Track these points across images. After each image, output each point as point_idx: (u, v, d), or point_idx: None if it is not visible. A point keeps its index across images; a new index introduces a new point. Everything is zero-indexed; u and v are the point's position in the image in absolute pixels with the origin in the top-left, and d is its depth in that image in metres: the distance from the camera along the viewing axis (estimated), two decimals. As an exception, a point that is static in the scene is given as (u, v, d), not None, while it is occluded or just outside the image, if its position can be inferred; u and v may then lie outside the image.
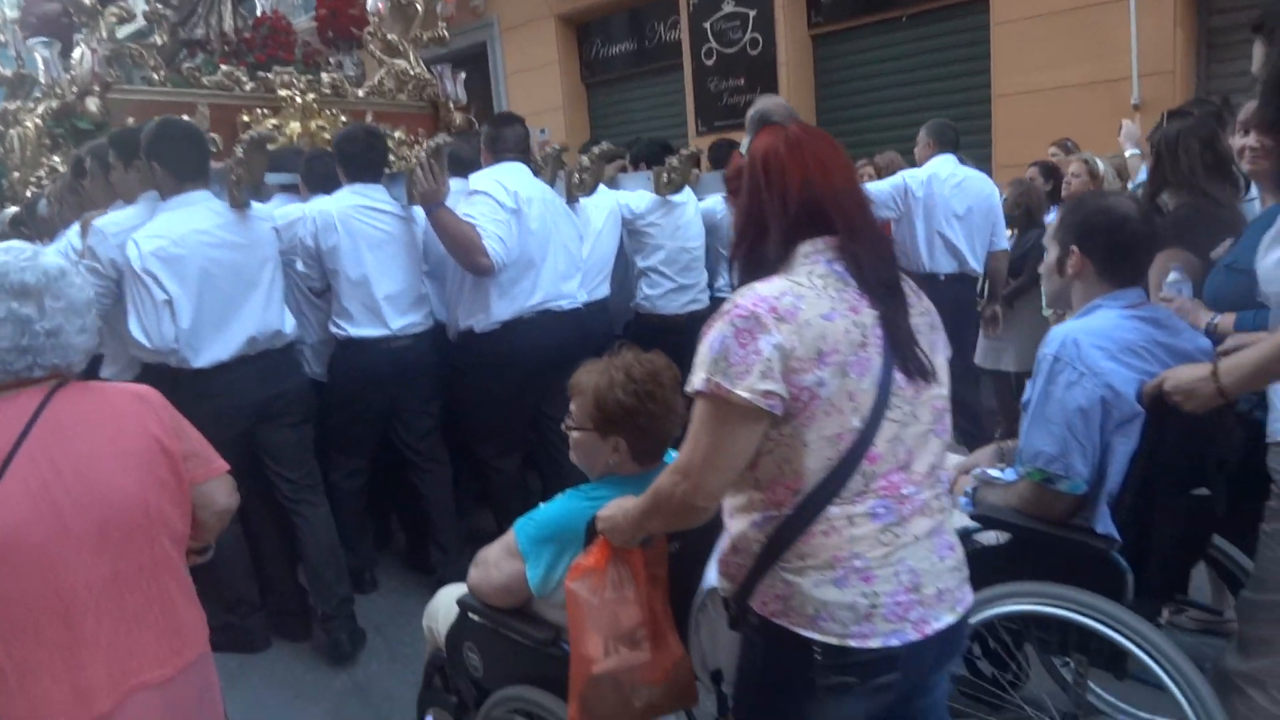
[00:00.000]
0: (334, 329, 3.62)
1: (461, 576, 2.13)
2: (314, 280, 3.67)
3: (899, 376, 1.47)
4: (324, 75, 6.32)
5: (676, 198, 4.37)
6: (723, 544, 1.60)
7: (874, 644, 1.44)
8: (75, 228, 3.50)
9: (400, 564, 4.26)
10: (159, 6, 5.75)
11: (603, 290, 4.21)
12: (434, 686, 2.32)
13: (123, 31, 6.36)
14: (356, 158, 3.65)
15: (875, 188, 4.72)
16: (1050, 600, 2.05)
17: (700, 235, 4.45)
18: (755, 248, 1.54)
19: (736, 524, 1.55)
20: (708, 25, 9.37)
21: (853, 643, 1.43)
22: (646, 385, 1.87)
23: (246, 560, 3.35)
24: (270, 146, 3.56)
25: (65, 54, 6.90)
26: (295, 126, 5.86)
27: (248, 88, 5.91)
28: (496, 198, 3.47)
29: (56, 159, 5.23)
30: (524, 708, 1.97)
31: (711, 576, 1.66)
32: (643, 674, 1.75)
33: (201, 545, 1.90)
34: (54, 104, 5.19)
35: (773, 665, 1.52)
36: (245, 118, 5.75)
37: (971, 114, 7.54)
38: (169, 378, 3.13)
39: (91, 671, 1.53)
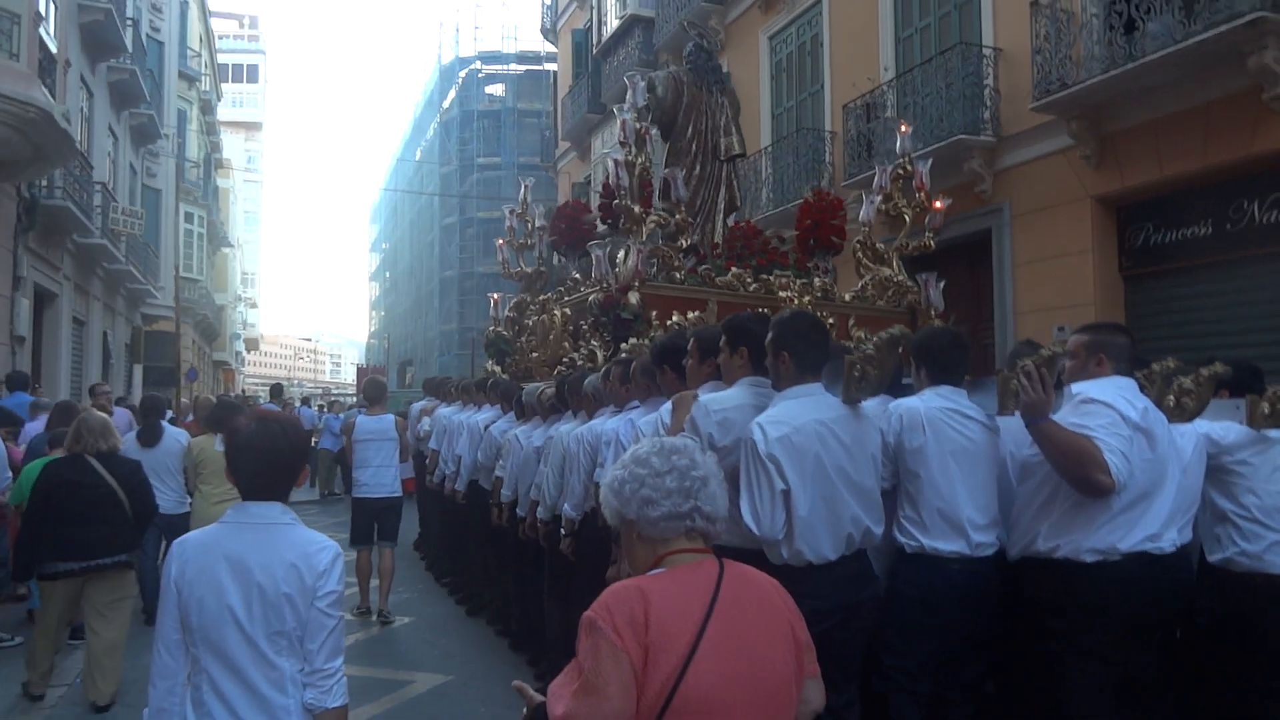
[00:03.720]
0: (901, 537, 3.40)
1: None
2: (884, 480, 3.52)
3: None
4: (815, 280, 6.58)
5: (1277, 433, 3.72)
6: None
7: None
8: (667, 405, 3.69)
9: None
10: (687, 217, 6.39)
11: (1187, 533, 3.62)
12: None
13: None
14: (942, 359, 3.53)
15: None
16: None
17: (1312, 480, 3.72)
18: None
19: None
20: (1336, 196, 7.46)
21: None
22: None
23: None
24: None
25: (583, 255, 7.97)
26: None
27: (751, 288, 6.30)
28: (1121, 410, 3.11)
29: (595, 344, 5.84)
30: None
31: None
32: None
33: None
34: (599, 296, 5.82)
35: None
36: (748, 315, 6.08)
37: None
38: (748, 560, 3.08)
39: None
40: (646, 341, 5.64)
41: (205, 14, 30.29)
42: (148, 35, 20.36)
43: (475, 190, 29.68)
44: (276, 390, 15.29)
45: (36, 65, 9.70)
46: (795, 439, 3.04)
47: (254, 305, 48.41)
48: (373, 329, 53.74)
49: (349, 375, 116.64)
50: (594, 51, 19.12)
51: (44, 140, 9.74)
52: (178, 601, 2.19)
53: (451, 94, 32.41)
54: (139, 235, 18.63)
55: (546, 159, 24.94)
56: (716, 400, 3.36)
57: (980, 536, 3.35)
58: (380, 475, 7.08)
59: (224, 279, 35.02)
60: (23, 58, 9.36)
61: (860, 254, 6.85)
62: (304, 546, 2.26)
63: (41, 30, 9.97)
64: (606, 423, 4.55)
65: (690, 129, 7.33)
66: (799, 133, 12.72)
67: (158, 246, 21.99)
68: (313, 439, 14.18)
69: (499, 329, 8.47)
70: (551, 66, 27.63)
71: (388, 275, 48.19)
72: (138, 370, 21.58)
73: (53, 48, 10.55)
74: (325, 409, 16.20)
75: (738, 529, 3.23)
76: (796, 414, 3.09)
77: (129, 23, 16.87)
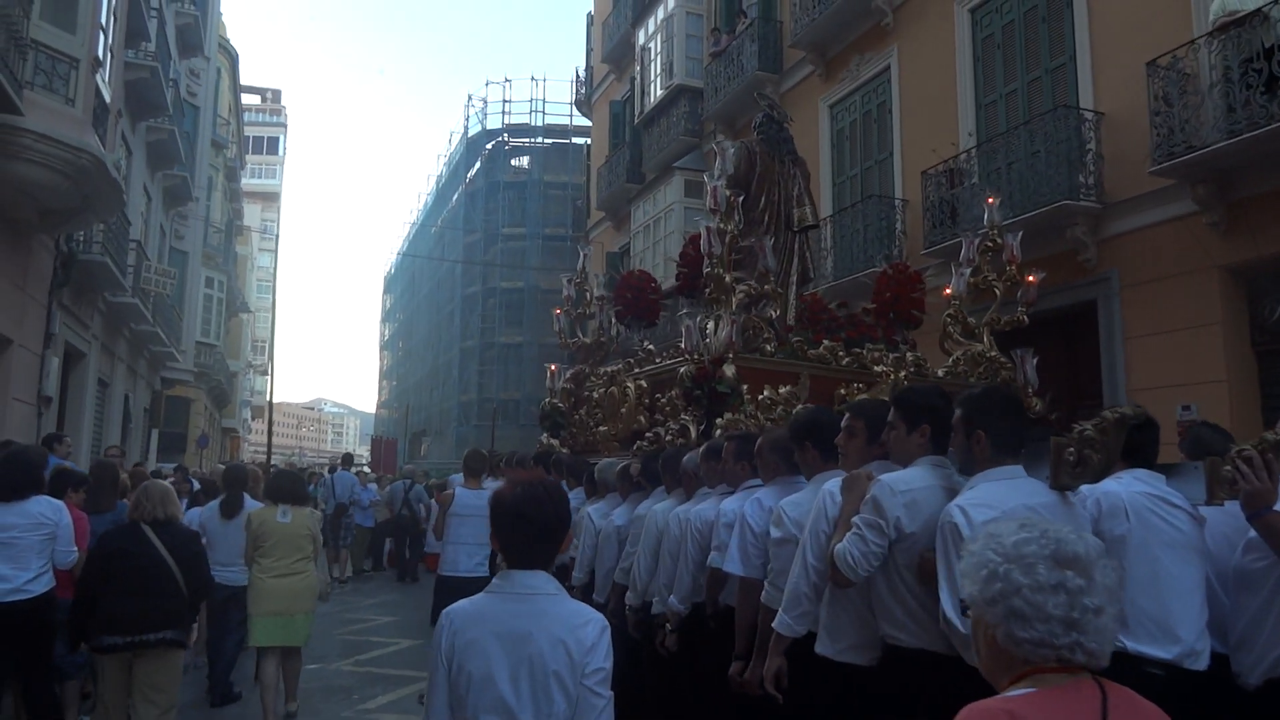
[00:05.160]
0: (1101, 640, 2.99)
1: None
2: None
3: None
4: (908, 354, 6.27)
5: None
6: None
7: None
8: (833, 483, 3.31)
9: None
10: (776, 288, 6.11)
11: None
12: None
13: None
14: (1135, 438, 3.16)
15: None
16: None
17: None
18: None
19: None
20: None
21: None
22: None
23: None
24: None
25: (649, 326, 7.64)
26: (888, 401, 5.74)
27: (844, 362, 5.97)
28: (1359, 501, 2.74)
29: (687, 418, 5.47)
30: None
31: None
32: None
33: None
34: (690, 369, 5.48)
35: None
36: (842, 390, 5.74)
37: None
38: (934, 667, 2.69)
39: None
40: (741, 417, 5.28)
41: (236, 84, 30.78)
42: (185, 99, 20.54)
43: (499, 260, 29.66)
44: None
45: (91, 113, 9.51)
46: (1004, 526, 2.67)
47: (264, 373, 48.24)
48: (383, 399, 53.35)
49: (350, 444, 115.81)
50: (634, 122, 19.17)
51: (93, 190, 9.49)
52: (448, 675, 2.09)
53: (477, 165, 32.71)
54: (167, 296, 18.46)
55: (578, 229, 24.98)
56: (901, 480, 3.00)
57: (1194, 644, 2.93)
58: (476, 554, 6.49)
59: (237, 346, 34.83)
60: (78, 103, 9.17)
61: (951, 328, 6.54)
62: (570, 619, 2.07)
63: (98, 78, 9.82)
64: (724, 503, 4.14)
65: (763, 200, 7.11)
66: (866, 201, 12.38)
67: (181, 309, 21.83)
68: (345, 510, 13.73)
69: (554, 401, 8.11)
70: (580, 140, 27.93)
71: (400, 345, 48.01)
72: (154, 435, 21.16)
73: (107, 96, 10.38)
74: (349, 479, 15.68)
75: (921, 629, 2.85)
76: (1001, 497, 2.73)
77: (170, 83, 16.98)
